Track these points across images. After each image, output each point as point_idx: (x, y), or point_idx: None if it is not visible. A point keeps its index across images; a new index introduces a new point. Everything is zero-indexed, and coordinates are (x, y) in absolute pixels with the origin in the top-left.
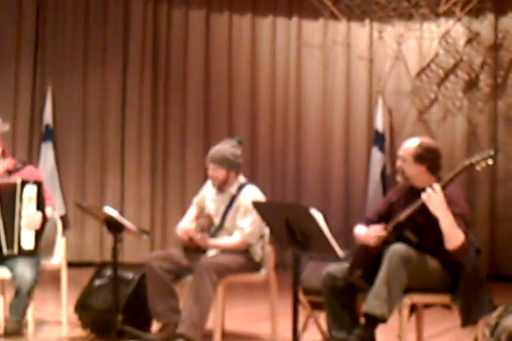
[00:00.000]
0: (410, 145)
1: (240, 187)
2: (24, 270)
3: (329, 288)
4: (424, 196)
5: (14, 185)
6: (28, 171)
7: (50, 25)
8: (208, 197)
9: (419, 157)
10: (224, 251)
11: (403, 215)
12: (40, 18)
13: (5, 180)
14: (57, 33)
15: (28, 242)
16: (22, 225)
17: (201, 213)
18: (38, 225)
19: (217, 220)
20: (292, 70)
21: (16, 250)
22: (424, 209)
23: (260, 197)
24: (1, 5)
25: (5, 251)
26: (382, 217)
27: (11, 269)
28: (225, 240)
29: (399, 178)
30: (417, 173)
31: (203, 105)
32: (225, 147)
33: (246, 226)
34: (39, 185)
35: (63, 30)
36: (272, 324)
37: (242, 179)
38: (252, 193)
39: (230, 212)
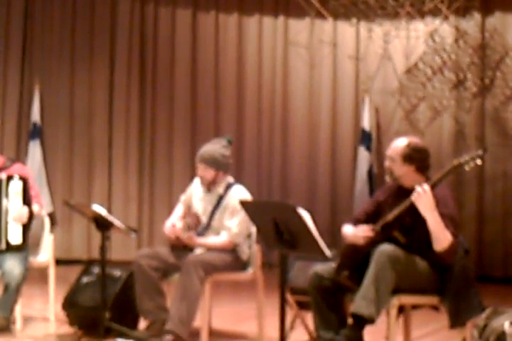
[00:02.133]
0: (398, 145)
1: (228, 187)
2: (12, 266)
3: (316, 288)
4: (413, 196)
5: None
6: (17, 169)
7: (38, 23)
8: (195, 195)
9: (408, 157)
10: (211, 249)
11: (391, 215)
12: (28, 17)
13: None
14: (44, 32)
15: (15, 237)
16: (9, 220)
17: (188, 211)
18: (25, 219)
19: (204, 219)
20: (279, 69)
21: (3, 245)
22: (412, 210)
23: (247, 196)
24: None
25: None
26: (370, 217)
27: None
28: (212, 239)
29: (387, 178)
30: (405, 173)
31: (189, 103)
32: (215, 147)
33: (233, 226)
34: (24, 180)
35: (51, 29)
36: (259, 323)
37: (229, 179)
38: (240, 193)
39: (217, 212)
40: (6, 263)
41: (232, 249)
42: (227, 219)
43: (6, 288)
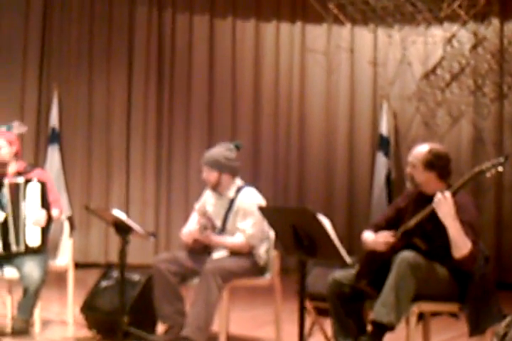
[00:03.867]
0: (420, 151)
1: (238, 190)
2: (32, 270)
3: (335, 294)
4: (434, 202)
5: (18, 185)
6: (37, 173)
7: (56, 29)
8: (208, 202)
9: (429, 163)
10: (229, 254)
11: (412, 222)
12: (47, 23)
13: (12, 180)
14: (63, 37)
15: (33, 240)
16: (27, 223)
17: (203, 216)
18: (43, 222)
19: (219, 223)
20: (296, 75)
21: (22, 247)
22: (433, 216)
23: (259, 198)
24: (7, 9)
25: (14, 248)
26: (391, 223)
27: (19, 269)
28: (229, 239)
29: (408, 185)
30: (426, 180)
31: (207, 109)
32: (220, 150)
33: (247, 227)
34: (43, 184)
35: (69, 34)
36: (277, 329)
37: (239, 182)
38: (250, 195)
39: (230, 216)
40: (25, 267)
41: (250, 254)
42: (240, 221)
43: (25, 291)
